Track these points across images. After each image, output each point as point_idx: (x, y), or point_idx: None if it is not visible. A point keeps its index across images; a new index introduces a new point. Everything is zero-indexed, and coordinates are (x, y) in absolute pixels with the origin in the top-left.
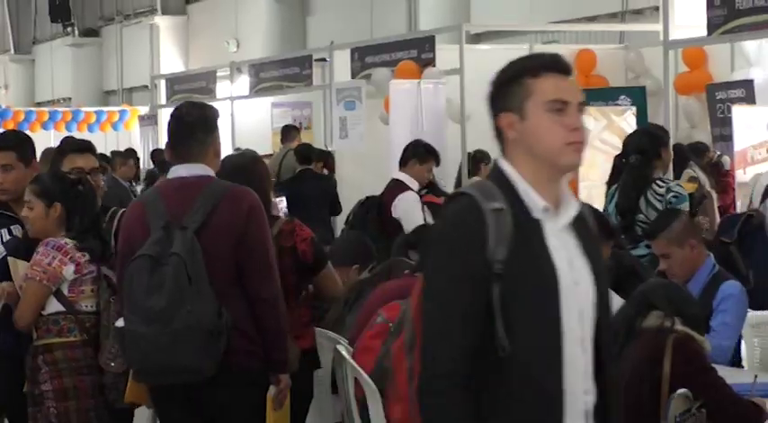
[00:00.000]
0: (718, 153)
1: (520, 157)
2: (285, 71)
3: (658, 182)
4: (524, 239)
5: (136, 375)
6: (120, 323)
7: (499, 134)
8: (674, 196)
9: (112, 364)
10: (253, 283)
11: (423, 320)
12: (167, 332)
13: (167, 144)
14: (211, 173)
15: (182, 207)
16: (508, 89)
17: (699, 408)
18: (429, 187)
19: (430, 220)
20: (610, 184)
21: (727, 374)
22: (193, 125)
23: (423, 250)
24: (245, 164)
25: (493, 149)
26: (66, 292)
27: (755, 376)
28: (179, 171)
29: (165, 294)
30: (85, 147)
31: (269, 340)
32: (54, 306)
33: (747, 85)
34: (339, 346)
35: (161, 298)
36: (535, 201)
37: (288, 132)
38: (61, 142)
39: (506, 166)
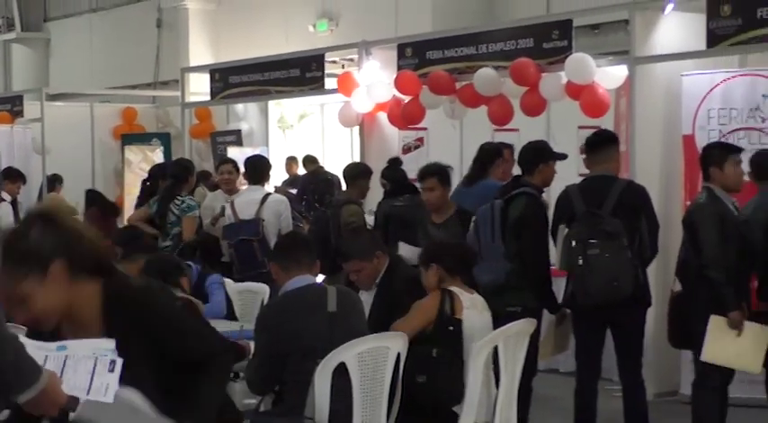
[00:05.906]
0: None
1: None
2: None
3: (178, 197)
4: None
5: None
6: None
7: None
8: (186, 206)
9: None
10: None
11: None
12: None
13: None
14: None
15: None
16: None
17: None
18: None
19: None
20: (139, 197)
21: (227, 325)
22: None
23: None
24: None
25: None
26: None
27: (242, 326)
28: None
29: None
30: None
31: None
32: None
33: (237, 133)
34: None
35: None
36: None
37: None
38: None
39: None
